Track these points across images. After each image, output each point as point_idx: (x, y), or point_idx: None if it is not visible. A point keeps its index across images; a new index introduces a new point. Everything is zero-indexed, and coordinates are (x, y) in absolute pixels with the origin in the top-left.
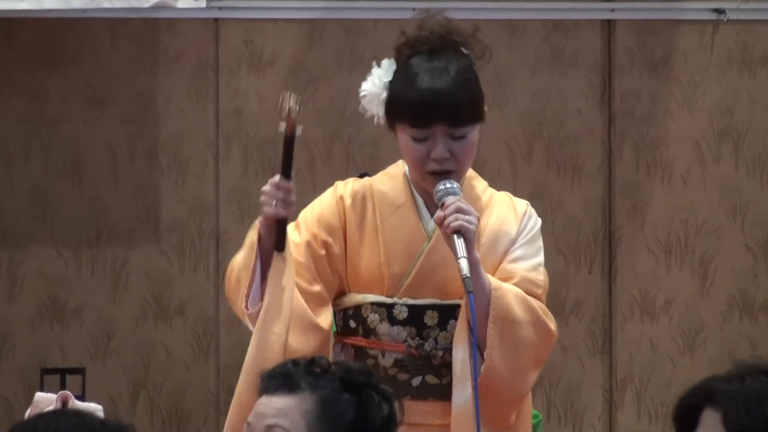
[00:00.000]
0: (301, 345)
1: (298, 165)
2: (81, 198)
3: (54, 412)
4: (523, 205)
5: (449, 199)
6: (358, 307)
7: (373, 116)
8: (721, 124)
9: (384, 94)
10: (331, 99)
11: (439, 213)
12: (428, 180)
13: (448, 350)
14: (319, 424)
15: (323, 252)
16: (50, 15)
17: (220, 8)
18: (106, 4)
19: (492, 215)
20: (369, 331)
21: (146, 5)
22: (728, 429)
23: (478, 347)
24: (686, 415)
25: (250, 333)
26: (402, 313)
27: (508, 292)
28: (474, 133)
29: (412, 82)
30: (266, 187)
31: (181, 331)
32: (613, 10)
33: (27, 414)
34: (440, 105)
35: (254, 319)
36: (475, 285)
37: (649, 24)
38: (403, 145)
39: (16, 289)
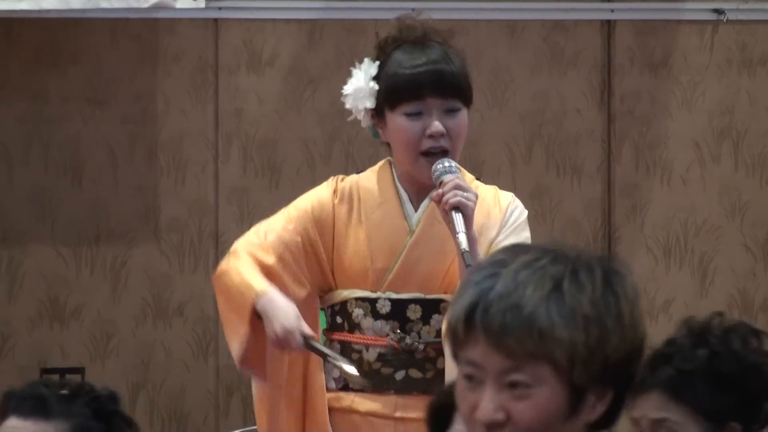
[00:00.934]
0: None
1: (298, 165)
2: (81, 198)
3: None
4: (507, 197)
5: (447, 177)
6: (344, 303)
7: (357, 119)
8: (720, 124)
9: (371, 84)
10: (331, 99)
11: (438, 190)
12: (421, 163)
13: (431, 344)
14: None
15: (310, 248)
16: (50, 15)
17: (220, 8)
18: (105, 5)
19: (478, 207)
20: (354, 326)
21: (145, 5)
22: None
23: None
24: None
25: None
26: (385, 308)
27: None
28: (464, 113)
29: (401, 62)
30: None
31: (180, 331)
32: (612, 11)
33: None
34: (431, 73)
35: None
36: (473, 260)
37: (648, 24)
38: (396, 128)
39: (15, 289)
